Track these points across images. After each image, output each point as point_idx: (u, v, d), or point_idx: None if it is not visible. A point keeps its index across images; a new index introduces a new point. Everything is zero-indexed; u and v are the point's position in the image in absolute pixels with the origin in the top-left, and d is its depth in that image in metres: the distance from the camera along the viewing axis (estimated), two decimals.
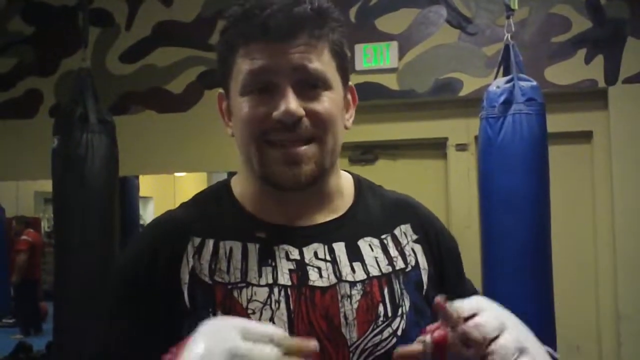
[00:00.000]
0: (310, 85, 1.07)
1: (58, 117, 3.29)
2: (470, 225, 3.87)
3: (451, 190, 4.05)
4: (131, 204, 5.56)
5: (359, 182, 1.23)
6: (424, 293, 1.13)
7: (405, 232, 1.17)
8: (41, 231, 11.29)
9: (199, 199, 1.21)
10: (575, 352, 3.81)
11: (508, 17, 2.96)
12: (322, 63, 1.08)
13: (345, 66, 1.14)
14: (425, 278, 1.14)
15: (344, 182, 1.21)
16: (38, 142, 3.83)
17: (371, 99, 4.01)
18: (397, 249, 1.14)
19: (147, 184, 7.55)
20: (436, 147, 4.15)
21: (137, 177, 5.82)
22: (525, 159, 2.81)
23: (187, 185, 9.68)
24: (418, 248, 1.17)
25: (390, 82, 4.02)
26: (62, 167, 3.13)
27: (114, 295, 1.15)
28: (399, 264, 1.13)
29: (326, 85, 1.08)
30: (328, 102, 1.08)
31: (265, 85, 1.06)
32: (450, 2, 3.99)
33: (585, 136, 3.94)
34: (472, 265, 3.68)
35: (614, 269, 3.80)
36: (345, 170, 1.24)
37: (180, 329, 1.02)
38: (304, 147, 1.06)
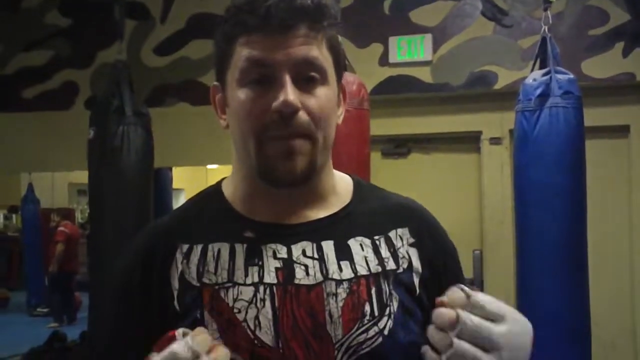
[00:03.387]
0: (308, 79, 1.07)
1: (94, 108, 3.33)
2: (503, 220, 3.84)
3: (485, 185, 4.02)
4: (164, 196, 5.60)
5: (358, 183, 1.23)
6: (416, 295, 1.12)
7: (401, 235, 1.16)
8: (75, 222, 11.46)
9: (189, 204, 1.23)
10: (610, 349, 3.76)
11: (545, 10, 2.93)
12: (321, 54, 1.09)
13: (340, 62, 1.15)
14: (417, 281, 1.13)
15: (339, 182, 1.20)
16: (74, 133, 3.87)
17: (405, 92, 3.98)
18: (389, 251, 1.14)
19: (178, 176, 7.58)
20: (470, 141, 4.12)
21: (171, 169, 5.86)
22: (562, 153, 2.78)
23: (219, 177, 9.62)
24: (413, 251, 1.15)
25: (425, 75, 3.99)
26: (98, 158, 3.16)
27: (112, 300, 1.20)
28: (390, 265, 1.12)
29: (323, 79, 1.09)
30: (324, 98, 1.08)
31: (264, 76, 1.07)
32: None
33: (622, 130, 3.89)
34: (505, 260, 3.70)
35: None
36: (346, 174, 1.24)
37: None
38: (299, 142, 1.06)
